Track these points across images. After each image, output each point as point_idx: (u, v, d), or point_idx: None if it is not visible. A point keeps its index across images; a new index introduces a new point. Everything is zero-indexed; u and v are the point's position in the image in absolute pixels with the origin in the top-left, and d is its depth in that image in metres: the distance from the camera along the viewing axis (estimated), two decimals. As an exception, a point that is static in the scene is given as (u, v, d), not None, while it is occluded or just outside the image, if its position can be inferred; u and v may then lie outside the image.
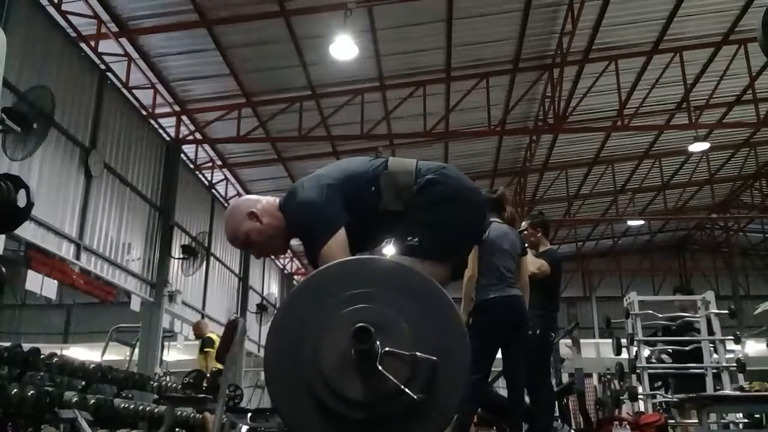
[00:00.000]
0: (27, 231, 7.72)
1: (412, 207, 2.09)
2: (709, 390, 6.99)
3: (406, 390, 1.52)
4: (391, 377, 1.52)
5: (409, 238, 2.03)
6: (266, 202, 2.24)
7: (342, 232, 2.03)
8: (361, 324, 1.48)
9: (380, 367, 1.52)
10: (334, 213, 2.06)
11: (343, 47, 9.52)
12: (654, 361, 7.32)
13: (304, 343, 1.60)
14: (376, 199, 2.12)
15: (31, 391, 6.09)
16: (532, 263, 4.46)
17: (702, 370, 6.98)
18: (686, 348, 7.08)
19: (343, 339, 1.52)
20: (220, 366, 6.67)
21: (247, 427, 8.87)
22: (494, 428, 5.31)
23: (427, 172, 2.14)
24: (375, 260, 1.79)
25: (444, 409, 1.59)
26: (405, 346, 1.55)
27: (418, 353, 1.54)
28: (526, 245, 4.38)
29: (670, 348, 7.32)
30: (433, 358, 1.54)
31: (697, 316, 7.65)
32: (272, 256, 17.44)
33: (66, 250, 8.73)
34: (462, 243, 2.20)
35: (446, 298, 1.68)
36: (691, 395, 5.23)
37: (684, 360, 7.02)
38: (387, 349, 1.53)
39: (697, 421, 5.34)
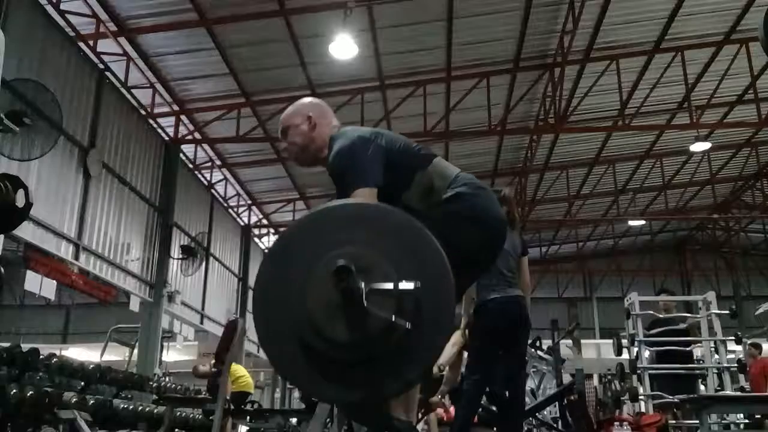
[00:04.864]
0: (26, 231, 7.70)
1: (434, 213, 2.07)
2: (710, 390, 6.98)
3: (396, 320, 1.54)
4: (379, 312, 1.54)
5: None
6: (327, 123, 2.32)
7: (374, 191, 2.03)
8: (340, 262, 1.50)
9: (366, 305, 1.53)
10: (373, 169, 2.09)
11: (343, 46, 9.50)
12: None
13: (290, 290, 1.63)
14: (404, 188, 2.14)
15: (30, 392, 6.07)
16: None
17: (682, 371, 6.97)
18: (662, 348, 7.04)
19: (327, 282, 1.55)
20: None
21: (246, 427, 8.86)
22: (494, 428, 5.29)
23: (462, 184, 2.14)
24: (355, 204, 1.83)
25: (430, 344, 1.61)
26: (389, 283, 1.58)
27: (401, 283, 1.56)
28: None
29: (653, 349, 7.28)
30: (417, 283, 1.56)
31: (699, 316, 7.64)
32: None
33: (65, 251, 8.71)
34: (473, 264, 2.17)
35: (425, 232, 1.70)
36: (692, 395, 5.21)
37: (660, 361, 6.98)
38: (372, 287, 1.55)
39: (695, 421, 5.32)
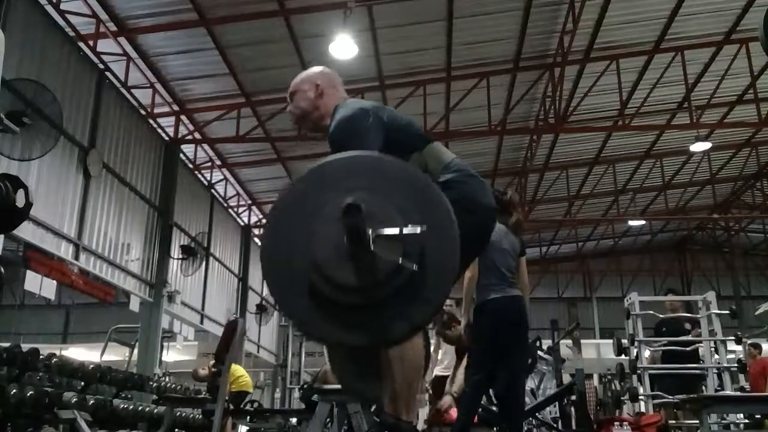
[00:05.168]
0: (26, 231, 7.69)
1: None
2: (711, 390, 6.98)
3: (403, 262, 1.56)
4: (385, 255, 1.57)
5: None
6: (334, 93, 2.37)
7: None
8: (349, 200, 1.53)
9: (373, 248, 1.56)
10: (372, 138, 2.11)
11: (343, 46, 9.50)
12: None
13: (298, 233, 1.65)
14: None
15: (30, 392, 6.06)
16: None
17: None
18: (668, 348, 7.09)
19: (335, 228, 1.58)
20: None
21: (246, 427, 8.86)
22: (494, 428, 5.29)
23: (454, 170, 2.15)
24: (357, 156, 1.86)
25: (437, 286, 1.63)
26: (395, 228, 1.61)
27: (407, 227, 1.59)
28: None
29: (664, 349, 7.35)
30: (423, 227, 1.59)
31: (699, 316, 7.64)
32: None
33: (65, 251, 8.70)
34: (464, 250, 2.17)
35: (428, 179, 1.75)
36: (692, 395, 5.21)
37: (666, 362, 7.02)
38: (378, 232, 1.58)
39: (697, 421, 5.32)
